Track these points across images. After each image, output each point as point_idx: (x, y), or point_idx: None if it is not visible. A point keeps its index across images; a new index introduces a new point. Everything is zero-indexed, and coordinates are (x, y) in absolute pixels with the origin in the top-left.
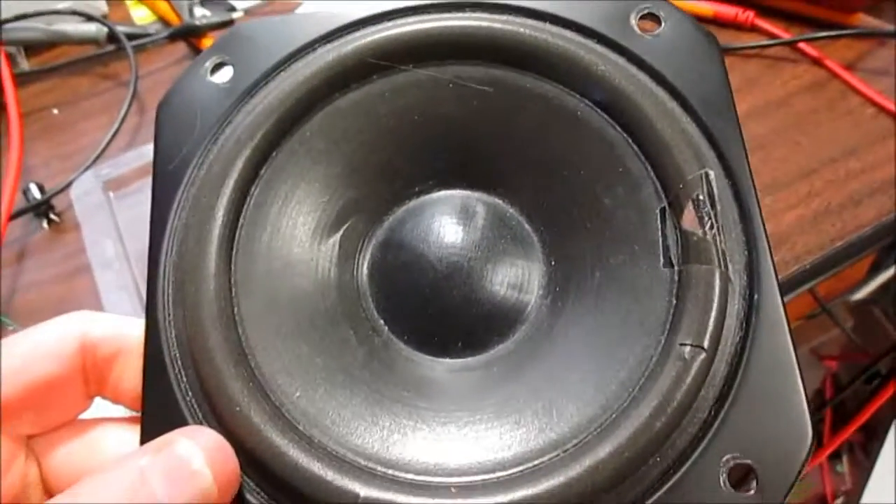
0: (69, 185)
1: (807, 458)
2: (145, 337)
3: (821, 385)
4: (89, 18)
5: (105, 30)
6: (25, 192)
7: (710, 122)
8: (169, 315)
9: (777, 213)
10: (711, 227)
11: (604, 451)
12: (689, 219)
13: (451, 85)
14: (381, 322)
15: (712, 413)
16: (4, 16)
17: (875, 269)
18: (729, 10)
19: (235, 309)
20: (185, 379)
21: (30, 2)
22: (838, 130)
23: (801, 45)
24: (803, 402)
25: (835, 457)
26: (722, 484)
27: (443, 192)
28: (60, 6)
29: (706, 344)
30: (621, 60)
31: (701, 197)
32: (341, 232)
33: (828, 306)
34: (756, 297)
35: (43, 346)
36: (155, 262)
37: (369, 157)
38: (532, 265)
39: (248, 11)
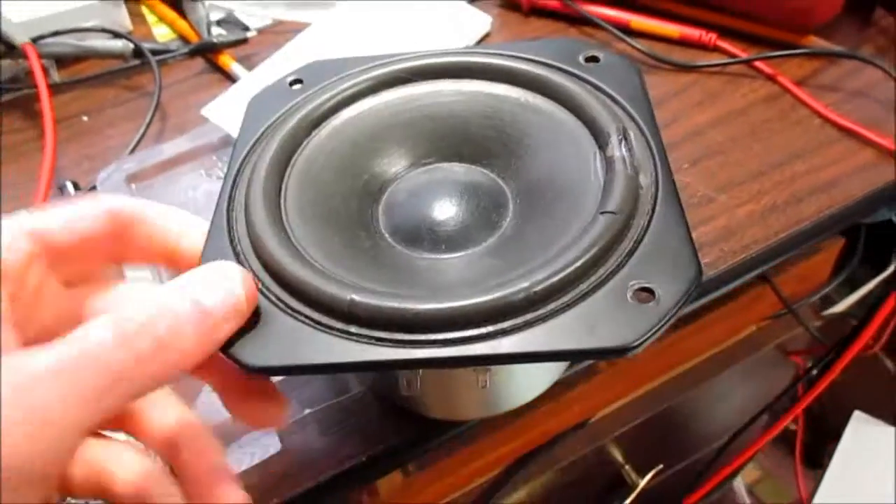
0: None
1: (692, 283)
2: (215, 212)
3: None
4: (116, 35)
5: (131, 46)
6: (62, 188)
7: (632, 107)
8: (234, 211)
9: (730, 209)
10: (627, 150)
11: (542, 274)
12: (610, 150)
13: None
14: (387, 235)
15: (626, 257)
16: (39, 32)
17: (838, 272)
18: (694, 32)
19: (282, 201)
20: (240, 244)
21: (60, 17)
22: (788, 138)
23: (758, 64)
24: (691, 249)
25: (817, 466)
26: (629, 298)
27: (443, 164)
28: (90, 24)
29: (617, 209)
30: (569, 76)
31: (619, 136)
32: (366, 177)
33: (793, 307)
34: (660, 188)
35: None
36: (233, 176)
37: (391, 134)
38: (502, 199)
39: (260, 31)
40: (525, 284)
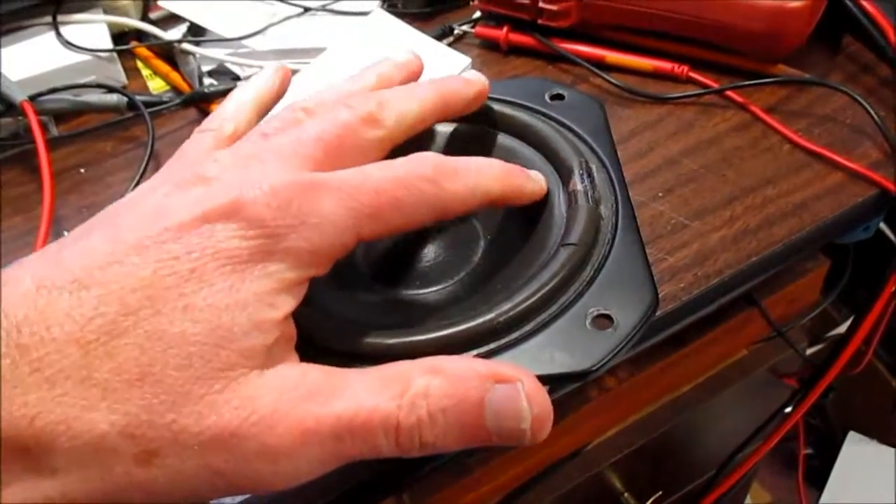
0: None
1: (649, 310)
2: None
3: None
4: (110, 90)
5: (125, 99)
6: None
7: (594, 141)
8: None
9: (704, 234)
10: (588, 183)
11: (506, 305)
12: (572, 184)
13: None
14: (366, 273)
15: (586, 285)
16: (37, 90)
17: (829, 293)
18: (666, 65)
19: None
20: None
21: (58, 74)
22: (759, 164)
23: (730, 93)
24: (649, 277)
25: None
26: (588, 325)
27: None
28: (86, 80)
29: (577, 241)
30: (535, 114)
31: (580, 170)
32: None
33: (782, 329)
34: (620, 218)
35: None
36: None
37: None
38: (474, 236)
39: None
40: (489, 316)
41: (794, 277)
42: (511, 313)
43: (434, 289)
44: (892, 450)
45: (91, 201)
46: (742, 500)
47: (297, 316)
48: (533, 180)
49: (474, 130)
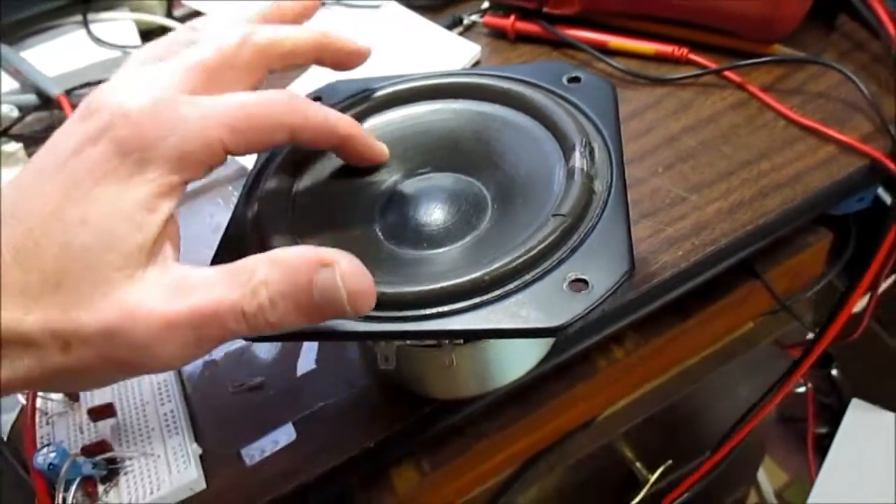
0: None
1: (624, 276)
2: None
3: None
4: None
5: None
6: None
7: (602, 122)
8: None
9: (701, 206)
10: (588, 161)
11: (496, 264)
12: (572, 161)
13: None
14: (380, 233)
15: (570, 252)
16: (72, 85)
17: (830, 268)
18: (667, 48)
19: (291, 203)
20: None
21: (91, 69)
22: (754, 140)
23: (727, 73)
24: (628, 248)
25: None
26: (564, 287)
27: (436, 174)
28: None
29: (567, 213)
30: (550, 95)
31: (582, 148)
32: (369, 184)
33: (786, 302)
34: (612, 194)
35: None
36: (252, 180)
37: (393, 148)
38: (483, 205)
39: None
40: (477, 274)
41: (797, 251)
42: (496, 272)
43: (439, 250)
44: (893, 415)
45: None
46: (752, 475)
47: None
48: (374, 148)
49: (494, 110)
